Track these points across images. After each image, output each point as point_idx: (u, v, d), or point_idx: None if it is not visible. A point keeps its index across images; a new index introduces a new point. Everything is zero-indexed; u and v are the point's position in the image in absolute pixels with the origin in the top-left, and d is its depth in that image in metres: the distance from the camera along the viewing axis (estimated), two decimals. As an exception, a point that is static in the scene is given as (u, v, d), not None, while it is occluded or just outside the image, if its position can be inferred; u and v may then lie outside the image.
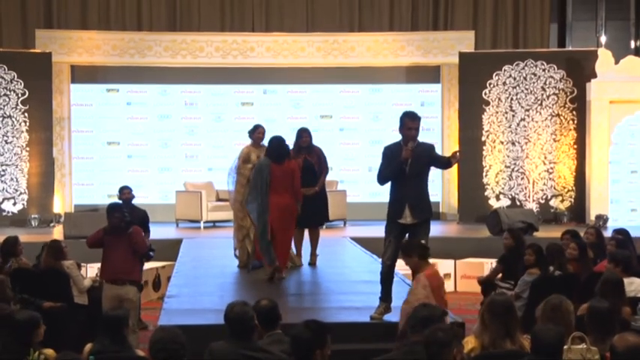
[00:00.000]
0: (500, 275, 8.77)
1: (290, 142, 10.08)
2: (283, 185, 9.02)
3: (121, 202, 9.62)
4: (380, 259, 7.66)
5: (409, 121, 7.15)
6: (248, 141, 10.06)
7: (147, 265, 10.46)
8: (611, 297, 5.89)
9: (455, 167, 15.47)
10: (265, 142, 9.78)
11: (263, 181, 8.99)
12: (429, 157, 7.25)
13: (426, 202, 7.29)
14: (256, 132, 9.90)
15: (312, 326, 4.58)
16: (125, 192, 10.07)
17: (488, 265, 11.24)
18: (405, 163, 7.09)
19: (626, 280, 6.60)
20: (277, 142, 9.18)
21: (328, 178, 10.70)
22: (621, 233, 9.14)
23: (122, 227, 8.04)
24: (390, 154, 7.23)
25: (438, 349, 4.26)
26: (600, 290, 6.13)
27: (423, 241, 6.73)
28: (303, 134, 9.95)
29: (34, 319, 5.30)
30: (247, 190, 9.48)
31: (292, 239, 9.52)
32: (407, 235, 7.27)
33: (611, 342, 4.29)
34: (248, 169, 9.59)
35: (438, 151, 9.69)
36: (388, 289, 7.26)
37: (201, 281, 9.35)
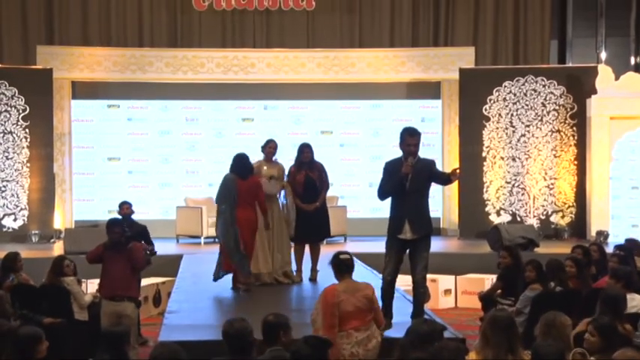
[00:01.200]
0: (499, 292, 8.73)
1: (291, 157, 10.12)
2: (247, 200, 9.33)
3: (120, 217, 9.61)
4: (380, 275, 7.66)
5: (408, 137, 7.20)
6: (254, 156, 10.09)
7: (147, 281, 10.47)
8: (610, 311, 5.87)
9: (455, 183, 15.42)
10: (278, 156, 10.07)
11: (231, 195, 9.27)
12: (429, 173, 7.26)
13: (426, 217, 7.29)
14: (267, 147, 9.93)
15: (311, 342, 4.60)
16: (124, 207, 10.06)
17: (489, 280, 11.23)
18: (406, 179, 7.11)
19: (627, 296, 6.58)
20: (241, 158, 9.49)
21: (329, 193, 10.70)
22: (623, 249, 9.13)
23: (122, 242, 8.07)
24: (391, 169, 7.26)
25: None
26: (600, 305, 6.11)
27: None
28: (305, 150, 9.96)
29: (37, 335, 5.25)
30: None
31: (252, 252, 9.58)
32: (408, 250, 7.28)
33: (613, 357, 4.29)
34: None
35: (439, 166, 9.65)
36: (389, 305, 7.22)
37: (202, 297, 9.33)
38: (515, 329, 5.03)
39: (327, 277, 10.10)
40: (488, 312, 8.05)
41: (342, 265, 6.36)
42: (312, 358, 4.51)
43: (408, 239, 7.16)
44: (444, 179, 7.49)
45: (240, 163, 9.45)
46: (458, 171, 7.30)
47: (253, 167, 9.57)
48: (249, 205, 9.34)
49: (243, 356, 4.88)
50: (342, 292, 6.22)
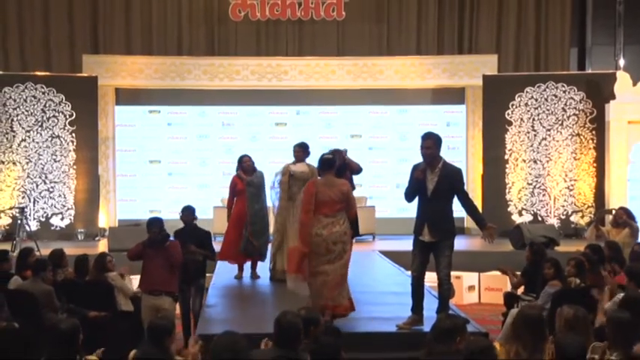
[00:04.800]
0: (522, 288, 8.86)
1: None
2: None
3: (160, 217, 9.23)
4: (407, 272, 7.90)
5: (421, 141, 7.34)
6: (279, 158, 10.72)
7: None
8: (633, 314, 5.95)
9: (479, 184, 15.83)
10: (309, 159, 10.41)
11: None
12: (452, 182, 7.28)
13: (446, 223, 7.30)
14: (295, 151, 10.16)
15: (330, 331, 5.02)
16: (185, 214, 9.46)
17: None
18: (422, 182, 7.25)
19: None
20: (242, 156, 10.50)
21: (358, 194, 10.81)
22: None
23: (159, 240, 8.33)
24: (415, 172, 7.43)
25: None
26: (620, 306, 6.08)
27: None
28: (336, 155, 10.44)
29: (75, 326, 5.29)
30: (285, 204, 9.97)
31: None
32: (431, 250, 7.38)
33: (632, 352, 4.54)
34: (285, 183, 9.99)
35: (463, 168, 9.46)
36: (417, 301, 7.31)
37: (238, 292, 9.64)
38: (543, 327, 5.07)
39: (356, 273, 9.89)
40: (510, 307, 8.38)
41: (323, 164, 7.38)
42: (333, 346, 4.83)
43: (427, 241, 7.29)
44: (477, 220, 7.49)
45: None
46: (489, 238, 7.33)
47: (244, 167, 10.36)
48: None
49: (289, 349, 4.90)
50: (320, 185, 7.24)
